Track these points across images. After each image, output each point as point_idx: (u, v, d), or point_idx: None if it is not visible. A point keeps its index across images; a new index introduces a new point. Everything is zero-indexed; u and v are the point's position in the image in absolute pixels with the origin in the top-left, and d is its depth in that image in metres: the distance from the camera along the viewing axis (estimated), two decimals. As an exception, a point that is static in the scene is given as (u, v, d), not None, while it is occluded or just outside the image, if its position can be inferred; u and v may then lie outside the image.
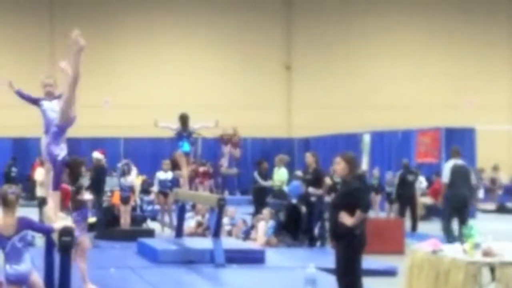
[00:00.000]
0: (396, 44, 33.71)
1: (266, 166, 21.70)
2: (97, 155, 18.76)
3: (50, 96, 9.44)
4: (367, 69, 33.37)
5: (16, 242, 7.33)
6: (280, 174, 19.78)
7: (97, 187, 18.29)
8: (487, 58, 33.88)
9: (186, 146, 15.26)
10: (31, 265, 7.48)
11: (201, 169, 26.40)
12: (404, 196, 19.75)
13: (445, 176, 15.60)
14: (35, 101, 9.44)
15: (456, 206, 15.11)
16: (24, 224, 7.39)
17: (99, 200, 18.36)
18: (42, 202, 14.88)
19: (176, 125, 15.16)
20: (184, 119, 15.20)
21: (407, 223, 18.59)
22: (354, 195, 8.21)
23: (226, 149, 28.33)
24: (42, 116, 9.48)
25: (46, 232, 7.88)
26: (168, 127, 15.45)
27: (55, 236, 8.01)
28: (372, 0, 33.71)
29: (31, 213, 9.80)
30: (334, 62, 33.53)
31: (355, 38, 33.56)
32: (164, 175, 18.48)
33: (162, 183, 18.53)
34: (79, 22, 31.88)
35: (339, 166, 8.49)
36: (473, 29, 33.80)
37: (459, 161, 15.77)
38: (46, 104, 9.38)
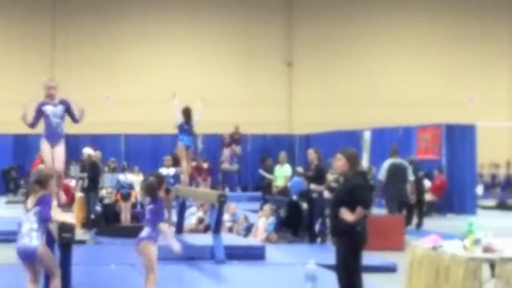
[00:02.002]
0: (398, 41, 33.69)
1: (270, 162, 22.39)
2: (88, 150, 18.72)
3: (51, 98, 9.54)
4: (368, 65, 33.36)
5: (31, 215, 7.63)
6: (284, 171, 19.89)
7: (93, 183, 18.30)
8: (488, 54, 33.88)
9: (187, 139, 15.37)
10: (39, 241, 7.56)
11: (205, 165, 26.41)
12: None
13: (382, 174, 17.45)
14: (39, 113, 9.54)
15: (396, 199, 17.07)
16: (39, 200, 7.69)
17: (96, 196, 18.38)
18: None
19: (180, 117, 15.31)
20: (187, 112, 15.39)
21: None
22: (354, 191, 8.21)
23: (227, 151, 28.34)
24: (44, 121, 9.58)
25: (45, 217, 7.84)
26: (175, 111, 15.46)
27: (55, 232, 8.03)
28: (374, -2, 33.77)
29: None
30: (335, 58, 33.53)
31: (356, 34, 33.54)
32: (166, 171, 18.46)
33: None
34: (81, 17, 32.26)
35: (339, 163, 8.50)
36: (474, 26, 33.78)
37: (397, 160, 17.65)
38: (49, 109, 9.49)
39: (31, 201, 7.74)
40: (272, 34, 33.55)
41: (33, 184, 7.82)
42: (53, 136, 9.54)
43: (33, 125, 9.62)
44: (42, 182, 7.75)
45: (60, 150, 9.58)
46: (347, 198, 8.23)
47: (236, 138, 28.65)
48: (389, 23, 33.82)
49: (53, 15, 32.59)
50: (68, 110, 9.66)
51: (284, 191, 19.29)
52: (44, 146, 9.58)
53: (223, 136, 28.44)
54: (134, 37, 32.82)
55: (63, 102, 9.65)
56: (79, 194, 18.80)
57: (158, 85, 32.03)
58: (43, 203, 7.68)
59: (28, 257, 7.59)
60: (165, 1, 33.04)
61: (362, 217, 8.21)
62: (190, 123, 15.49)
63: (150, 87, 32.21)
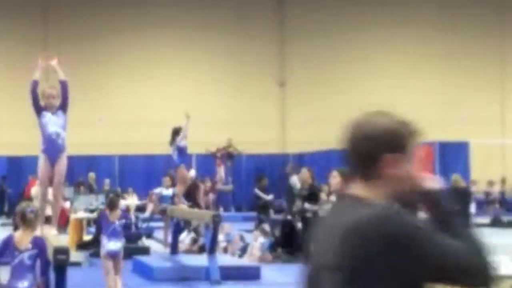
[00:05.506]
0: (390, 59, 33.81)
1: (265, 181, 22.36)
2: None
3: (51, 108, 8.80)
4: (360, 84, 33.42)
5: (25, 258, 7.36)
6: None
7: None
8: (480, 72, 33.98)
9: (183, 159, 15.42)
10: (31, 285, 7.43)
11: (209, 185, 26.39)
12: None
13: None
14: (38, 108, 8.83)
15: None
16: (38, 244, 7.43)
17: None
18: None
19: (183, 140, 15.31)
20: (175, 132, 15.44)
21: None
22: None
23: (221, 170, 28.17)
24: (41, 129, 8.77)
25: (44, 267, 7.69)
26: (184, 133, 15.44)
27: (50, 255, 7.98)
28: (366, 15, 33.81)
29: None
30: (328, 77, 33.59)
31: (348, 53, 33.64)
32: (165, 191, 18.46)
33: (163, 199, 18.49)
34: (73, 39, 32.26)
35: (334, 180, 8.55)
36: (465, 44, 33.91)
37: None
38: (48, 116, 8.73)
39: (24, 238, 7.41)
40: (265, 54, 33.63)
41: (28, 221, 7.41)
42: (53, 149, 8.67)
43: (34, 86, 8.99)
44: (35, 220, 7.56)
45: (61, 167, 8.66)
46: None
47: (230, 153, 28.39)
48: (381, 43, 33.93)
49: (45, 37, 32.60)
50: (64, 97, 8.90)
51: None
52: (43, 163, 8.68)
53: (215, 153, 28.01)
54: (127, 58, 32.86)
55: (61, 108, 8.86)
56: (73, 216, 18.76)
57: (151, 106, 32.06)
58: (42, 247, 7.42)
59: None
60: (158, 23, 33.10)
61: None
62: (175, 142, 15.47)
63: (142, 108, 32.22)
